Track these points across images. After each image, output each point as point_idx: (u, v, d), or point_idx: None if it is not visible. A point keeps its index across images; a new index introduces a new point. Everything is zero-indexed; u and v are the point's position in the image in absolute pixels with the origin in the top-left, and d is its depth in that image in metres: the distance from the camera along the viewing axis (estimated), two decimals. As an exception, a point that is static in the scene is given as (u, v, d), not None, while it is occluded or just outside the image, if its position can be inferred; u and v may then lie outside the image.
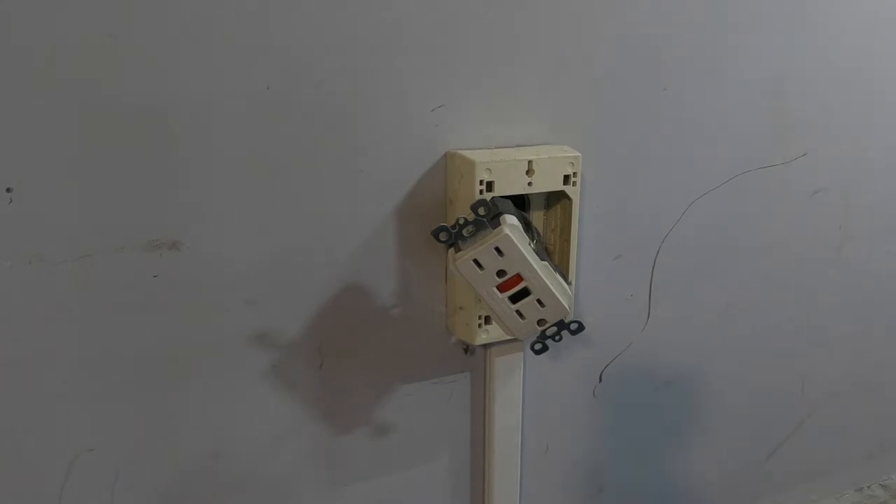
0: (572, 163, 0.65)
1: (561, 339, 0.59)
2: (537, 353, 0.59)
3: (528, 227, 0.62)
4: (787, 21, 0.77)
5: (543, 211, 0.69)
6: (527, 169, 0.63)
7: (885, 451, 1.08)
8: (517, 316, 0.57)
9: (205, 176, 0.57)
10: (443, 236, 0.56)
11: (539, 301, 0.56)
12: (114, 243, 0.56)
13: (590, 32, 0.67)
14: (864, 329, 0.97)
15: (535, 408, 0.78)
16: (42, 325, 0.55)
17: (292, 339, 0.64)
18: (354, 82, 0.59)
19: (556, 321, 0.57)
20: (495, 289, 0.56)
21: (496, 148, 0.66)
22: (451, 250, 0.57)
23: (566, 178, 0.65)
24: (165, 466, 0.63)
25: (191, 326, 0.60)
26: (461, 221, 0.55)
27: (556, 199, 0.68)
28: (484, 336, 0.67)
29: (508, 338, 0.68)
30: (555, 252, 0.69)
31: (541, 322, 0.57)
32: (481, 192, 0.61)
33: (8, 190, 0.52)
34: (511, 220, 0.57)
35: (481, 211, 0.55)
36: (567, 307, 0.57)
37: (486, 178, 0.61)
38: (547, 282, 0.56)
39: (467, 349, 0.73)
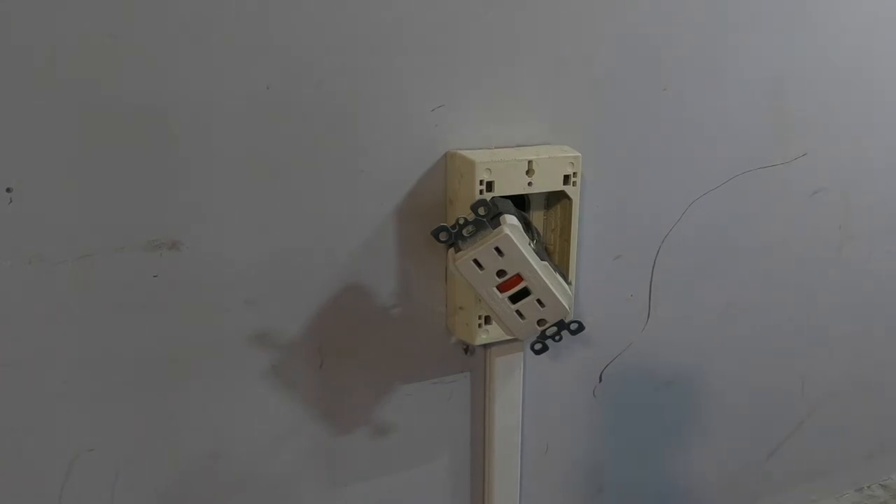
0: (572, 163, 0.65)
1: (561, 339, 0.59)
2: (537, 353, 0.59)
3: (528, 227, 0.62)
4: (787, 21, 0.77)
5: (543, 211, 0.69)
6: (527, 169, 0.63)
7: (885, 451, 1.08)
8: (517, 316, 0.57)
9: (205, 176, 0.57)
10: (443, 236, 0.56)
11: (539, 301, 0.56)
12: (114, 243, 0.56)
13: (590, 32, 0.67)
14: (864, 329, 0.97)
15: (535, 408, 0.78)
16: (42, 325, 0.55)
17: (292, 339, 0.64)
18: (354, 82, 0.59)
19: (556, 321, 0.57)
20: (495, 289, 0.56)
21: (496, 148, 0.66)
22: (451, 250, 0.57)
23: (566, 178, 0.65)
24: (165, 466, 0.63)
25: (191, 326, 0.60)
26: (461, 221, 0.55)
27: (556, 199, 0.68)
28: (484, 336, 0.67)
29: (508, 338, 0.68)
30: (555, 252, 0.69)
31: (541, 322, 0.57)
32: (481, 192, 0.61)
33: (8, 190, 0.52)
34: (511, 220, 0.57)
35: (481, 211, 0.55)
36: (567, 307, 0.57)
37: (486, 178, 0.61)
38: (547, 282, 0.56)
39: (467, 349, 0.73)
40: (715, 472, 0.94)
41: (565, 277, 0.65)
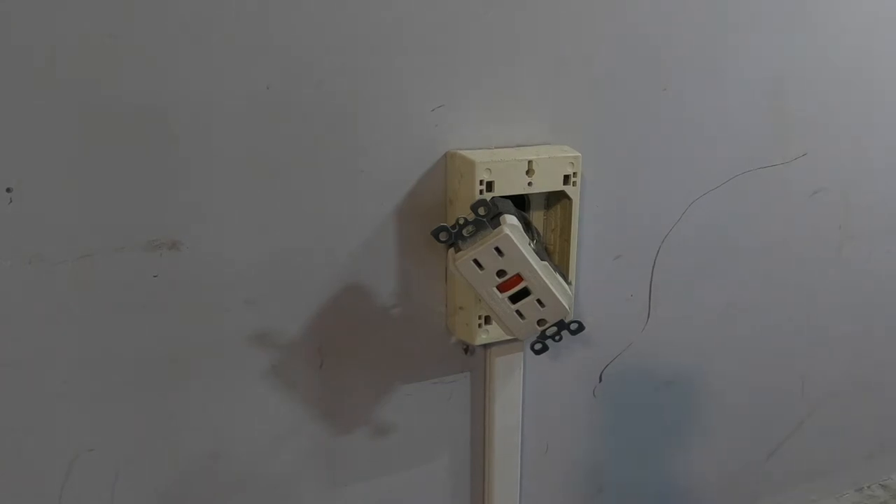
0: (572, 163, 0.65)
1: (561, 339, 0.59)
2: (537, 353, 0.59)
3: (528, 227, 0.62)
4: (787, 21, 0.77)
5: (543, 211, 0.69)
6: (527, 169, 0.63)
7: (885, 451, 1.08)
8: (517, 316, 0.57)
9: (205, 176, 0.57)
10: (443, 236, 0.56)
11: (539, 301, 0.56)
12: (114, 243, 0.56)
13: (590, 32, 0.67)
14: (864, 329, 0.97)
15: (535, 408, 0.78)
16: (42, 325, 0.55)
17: (292, 339, 0.64)
18: (354, 82, 0.59)
19: (556, 321, 0.57)
20: (495, 289, 0.56)
21: (496, 148, 0.66)
22: (451, 250, 0.57)
23: (566, 178, 0.65)
24: (165, 466, 0.63)
25: (191, 326, 0.60)
26: (461, 221, 0.55)
27: (556, 199, 0.68)
28: (484, 336, 0.67)
29: (508, 338, 0.68)
30: (555, 252, 0.69)
31: (541, 322, 0.57)
32: (481, 192, 0.61)
33: (8, 190, 0.52)
34: (511, 220, 0.56)
35: (481, 211, 0.55)
36: (567, 307, 0.57)
37: (486, 178, 0.61)
38: (547, 282, 0.56)
39: (467, 349, 0.73)
40: (715, 472, 0.94)
41: (565, 277, 0.65)
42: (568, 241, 0.68)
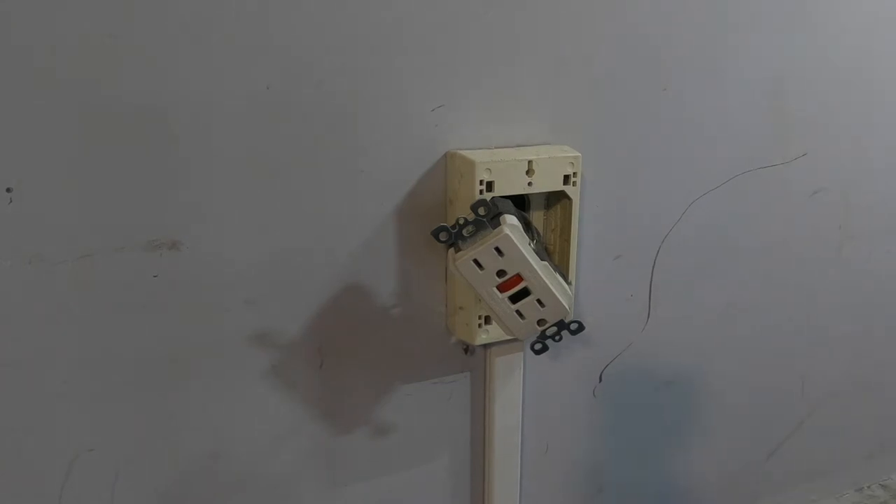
0: (572, 163, 0.65)
1: (561, 339, 0.59)
2: (537, 353, 0.59)
3: (528, 227, 0.62)
4: (787, 21, 0.77)
5: (543, 211, 0.69)
6: (527, 169, 0.63)
7: (885, 451, 1.08)
8: (517, 316, 0.57)
9: (205, 176, 0.57)
10: (443, 236, 0.56)
11: (539, 301, 0.56)
12: (114, 243, 0.56)
13: (590, 32, 0.67)
14: (864, 329, 0.97)
15: (535, 408, 0.78)
16: (42, 325, 0.55)
17: (292, 339, 0.64)
18: (354, 82, 0.59)
19: (556, 321, 0.57)
20: (495, 289, 0.56)
21: (496, 148, 0.66)
22: (451, 250, 0.57)
23: (566, 178, 0.65)
24: (165, 466, 0.63)
25: (191, 326, 0.60)
26: (461, 221, 0.55)
27: (556, 199, 0.68)
28: (484, 336, 0.67)
29: (508, 338, 0.68)
30: (555, 252, 0.69)
31: (541, 322, 0.57)
32: (481, 192, 0.61)
33: (8, 190, 0.52)
34: (511, 220, 0.56)
35: (481, 211, 0.55)
36: (567, 307, 0.57)
37: (486, 178, 0.61)
38: (547, 282, 0.56)
39: (467, 349, 0.73)
40: (715, 472, 0.94)
41: (565, 277, 0.65)
42: (568, 241, 0.68)
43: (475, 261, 0.55)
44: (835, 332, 0.95)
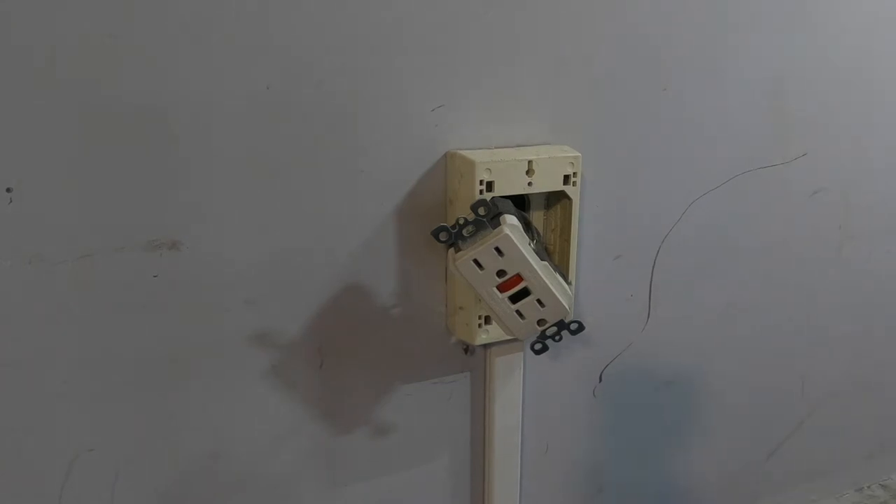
0: (572, 163, 0.65)
1: (561, 339, 0.59)
2: (537, 353, 0.59)
3: (528, 227, 0.62)
4: (787, 21, 0.77)
5: (543, 211, 0.69)
6: (527, 169, 0.63)
7: (885, 451, 1.08)
8: (517, 316, 0.57)
9: (205, 176, 0.57)
10: (443, 236, 0.56)
11: (539, 301, 0.56)
12: (114, 243, 0.56)
13: (590, 32, 0.67)
14: (864, 329, 0.97)
15: (535, 408, 0.78)
16: (42, 325, 0.55)
17: (292, 339, 0.64)
18: (354, 82, 0.59)
19: (556, 321, 0.57)
20: (495, 289, 0.56)
21: (496, 148, 0.66)
22: (451, 250, 0.57)
23: (566, 178, 0.65)
24: (165, 466, 0.63)
25: (191, 326, 0.60)
26: (461, 221, 0.55)
27: (556, 199, 0.68)
28: (484, 336, 0.67)
29: (508, 338, 0.68)
30: (555, 252, 0.69)
31: (541, 322, 0.57)
32: (481, 192, 0.61)
33: (8, 190, 0.52)
34: (511, 220, 0.56)
35: (481, 211, 0.55)
36: (567, 307, 0.57)
37: (486, 178, 0.61)
38: (547, 282, 0.56)
39: (467, 349, 0.73)
40: (715, 472, 0.94)
41: (565, 277, 0.65)
42: (568, 241, 0.68)
43: (475, 261, 0.55)
44: (835, 332, 0.95)
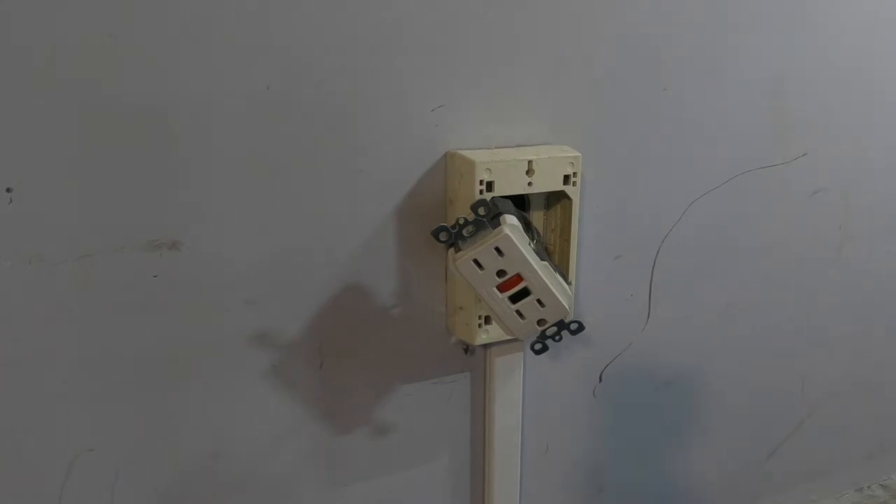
0: (572, 163, 0.65)
1: (561, 339, 0.59)
2: (537, 353, 0.59)
3: (528, 227, 0.62)
4: (787, 21, 0.77)
5: (543, 211, 0.69)
6: (527, 169, 0.63)
7: (885, 451, 1.08)
8: (517, 316, 0.57)
9: (205, 176, 0.57)
10: (443, 236, 0.56)
11: (539, 301, 0.56)
12: (114, 243, 0.56)
13: (590, 32, 0.67)
14: (864, 329, 0.97)
15: (535, 408, 0.78)
16: (42, 325, 0.55)
17: (292, 339, 0.64)
18: (354, 82, 0.59)
19: (556, 321, 0.57)
20: (495, 289, 0.56)
21: (496, 148, 0.66)
22: (451, 250, 0.57)
23: (566, 178, 0.65)
24: (165, 466, 0.63)
25: (191, 326, 0.60)
26: (461, 221, 0.55)
27: (556, 199, 0.68)
28: (484, 336, 0.67)
29: (508, 338, 0.68)
30: (555, 252, 0.69)
31: (541, 322, 0.57)
32: (481, 192, 0.61)
33: (8, 190, 0.52)
34: (511, 220, 0.56)
35: (481, 211, 0.55)
36: (567, 307, 0.57)
37: (486, 178, 0.61)
38: (547, 282, 0.56)
39: (467, 349, 0.73)
40: (715, 472, 0.94)
41: (565, 277, 0.65)
42: (568, 241, 0.68)
43: (475, 261, 0.55)
44: (835, 332, 0.95)
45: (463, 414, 0.75)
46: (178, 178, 0.56)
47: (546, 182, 0.64)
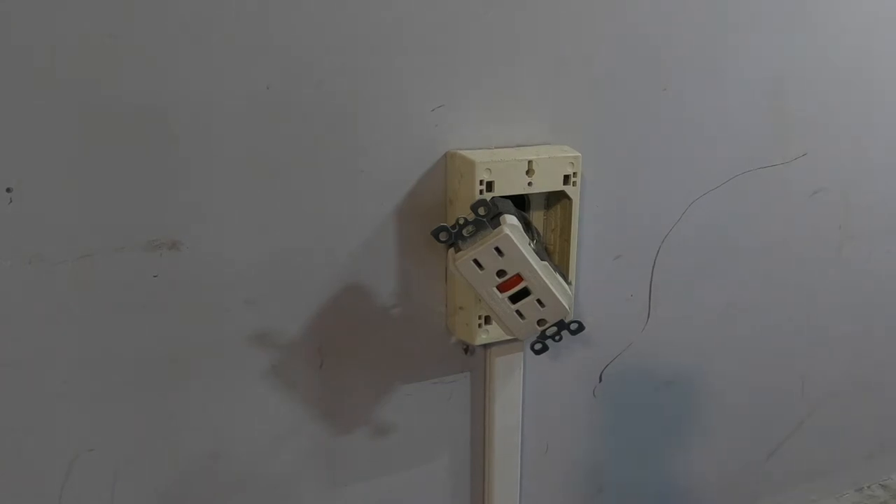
0: (572, 163, 0.65)
1: (561, 339, 0.59)
2: (537, 353, 0.59)
3: (528, 227, 0.62)
4: (787, 21, 0.77)
5: (543, 211, 0.69)
6: (527, 169, 0.63)
7: (885, 451, 1.08)
8: (517, 316, 0.57)
9: (205, 176, 0.57)
10: (443, 236, 0.56)
11: (539, 301, 0.56)
12: (114, 243, 0.56)
13: (590, 32, 0.67)
14: (864, 329, 0.97)
15: (535, 408, 0.78)
16: (42, 325, 0.55)
17: (292, 339, 0.64)
18: (354, 82, 0.59)
19: (556, 321, 0.57)
20: (495, 289, 0.56)
21: (496, 148, 0.66)
22: (451, 250, 0.57)
23: (566, 178, 0.65)
24: (165, 466, 0.63)
25: (191, 326, 0.60)
26: (461, 221, 0.55)
27: (556, 199, 0.68)
28: (484, 336, 0.67)
29: (508, 338, 0.68)
30: (555, 252, 0.69)
31: (541, 322, 0.57)
32: (481, 192, 0.61)
33: (8, 190, 0.52)
34: (511, 220, 0.56)
35: (481, 211, 0.55)
36: (567, 307, 0.57)
37: (486, 178, 0.61)
38: (547, 282, 0.56)
39: (467, 349, 0.73)
40: (715, 472, 0.94)
41: (565, 277, 0.65)
42: (568, 241, 0.68)
43: (475, 261, 0.55)
44: (835, 332, 0.95)
45: (463, 414, 0.75)
46: (178, 178, 0.56)
47: (546, 182, 0.64)
